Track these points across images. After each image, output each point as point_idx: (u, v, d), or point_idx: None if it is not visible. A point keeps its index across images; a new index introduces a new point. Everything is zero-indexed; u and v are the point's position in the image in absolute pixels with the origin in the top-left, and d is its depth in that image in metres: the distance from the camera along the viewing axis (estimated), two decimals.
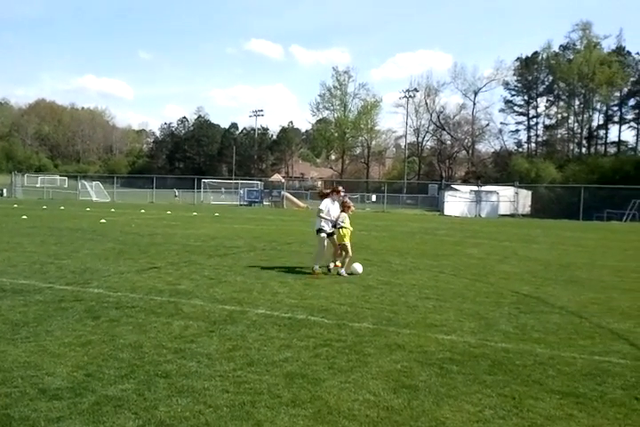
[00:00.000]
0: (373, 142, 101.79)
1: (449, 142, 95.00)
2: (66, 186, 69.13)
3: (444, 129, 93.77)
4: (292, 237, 18.41)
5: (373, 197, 60.35)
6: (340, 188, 11.05)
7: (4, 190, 55.87)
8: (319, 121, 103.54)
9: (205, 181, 56.34)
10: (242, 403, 4.25)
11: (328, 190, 10.96)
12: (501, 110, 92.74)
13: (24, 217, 23.84)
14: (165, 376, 4.77)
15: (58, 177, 75.85)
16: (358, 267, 10.56)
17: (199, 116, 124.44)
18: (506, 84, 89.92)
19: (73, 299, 7.68)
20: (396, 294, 8.66)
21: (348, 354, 5.52)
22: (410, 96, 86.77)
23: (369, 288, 9.14)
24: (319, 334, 6.21)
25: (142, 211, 33.08)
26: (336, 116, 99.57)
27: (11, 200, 46.70)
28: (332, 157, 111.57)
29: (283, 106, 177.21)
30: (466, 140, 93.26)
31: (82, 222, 22.13)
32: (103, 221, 23.02)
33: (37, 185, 64.89)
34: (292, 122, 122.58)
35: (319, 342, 5.90)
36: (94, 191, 53.46)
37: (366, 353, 5.57)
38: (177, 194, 58.11)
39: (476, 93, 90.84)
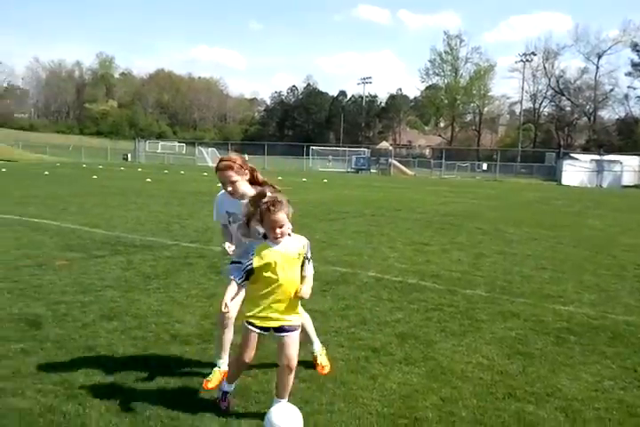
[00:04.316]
0: (486, 109, 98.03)
1: (568, 109, 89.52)
2: (184, 152, 72.58)
3: (563, 95, 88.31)
4: (399, 203, 18.36)
5: (484, 166, 58.46)
6: (232, 158, 4.00)
7: (129, 155, 59.65)
8: (428, 87, 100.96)
9: (314, 148, 57.05)
10: (356, 358, 4.41)
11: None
12: (628, 74, 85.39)
13: (148, 180, 25.44)
14: None
15: (176, 143, 79.74)
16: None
17: (308, 85, 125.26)
18: (634, 46, 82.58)
19: (197, 255, 8.22)
20: (510, 264, 8.47)
21: (460, 319, 5.53)
22: (526, 60, 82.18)
23: (481, 256, 9.00)
24: (430, 299, 6.25)
25: None
26: (446, 82, 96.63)
27: (135, 165, 49.87)
28: (442, 124, 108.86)
29: (391, 73, 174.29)
30: (587, 107, 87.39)
31: (200, 186, 23.29)
32: (220, 185, 24.06)
33: (158, 151, 68.72)
34: (400, 89, 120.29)
35: (430, 306, 5.94)
36: (210, 157, 55.77)
37: (479, 319, 5.55)
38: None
39: (599, 56, 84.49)
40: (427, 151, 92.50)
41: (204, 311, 5.46)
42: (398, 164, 52.72)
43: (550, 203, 21.85)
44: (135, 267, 7.35)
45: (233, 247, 3.87)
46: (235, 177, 3.85)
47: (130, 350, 4.42)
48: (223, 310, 3.35)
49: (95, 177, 27.66)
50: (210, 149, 59.39)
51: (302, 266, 3.39)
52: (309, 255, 3.44)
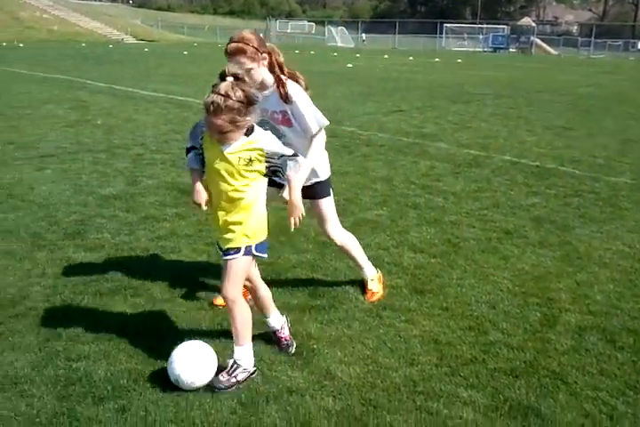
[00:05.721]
0: None
1: None
2: (313, 32, 70.95)
3: None
4: (541, 85, 17.10)
5: None
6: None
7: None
8: None
9: (448, 25, 53.37)
10: (488, 239, 4.42)
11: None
12: None
13: None
14: (415, 208, 5.12)
15: (306, 23, 77.84)
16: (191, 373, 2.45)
17: None
18: None
19: (330, 135, 8.29)
20: None
21: (601, 206, 5.30)
22: None
23: (628, 142, 8.35)
24: (570, 184, 6.00)
25: (386, 56, 33.00)
26: None
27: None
28: None
29: None
30: None
31: (330, 66, 22.99)
32: (350, 65, 23.65)
33: (288, 31, 67.62)
34: None
35: (569, 192, 5.72)
36: (339, 37, 54.21)
37: (622, 207, 5.28)
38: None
39: None
40: (574, 28, 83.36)
41: (337, 188, 5.49)
42: (541, 42, 48.28)
43: None
44: None
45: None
46: (248, 64, 2.82)
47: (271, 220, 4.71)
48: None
49: None
50: (339, 28, 57.48)
51: (277, 173, 2.51)
52: (287, 153, 2.49)
